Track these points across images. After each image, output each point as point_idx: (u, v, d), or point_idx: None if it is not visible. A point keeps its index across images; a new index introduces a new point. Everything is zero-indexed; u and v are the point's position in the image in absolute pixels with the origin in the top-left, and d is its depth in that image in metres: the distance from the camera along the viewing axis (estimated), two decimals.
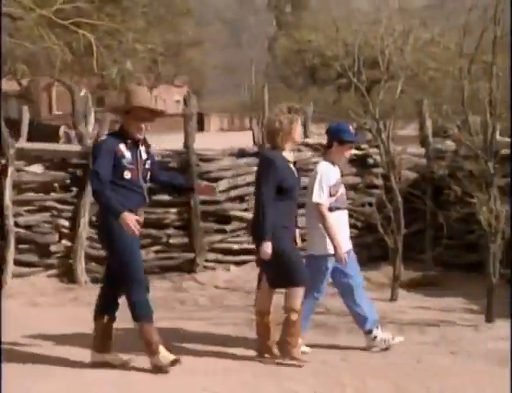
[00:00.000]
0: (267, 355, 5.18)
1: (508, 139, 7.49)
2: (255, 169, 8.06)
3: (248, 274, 8.32)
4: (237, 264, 8.40)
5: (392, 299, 7.17)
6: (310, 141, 8.88)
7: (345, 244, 5.34)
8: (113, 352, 5.02)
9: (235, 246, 8.45)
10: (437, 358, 5.31)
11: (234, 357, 5.29)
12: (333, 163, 5.35)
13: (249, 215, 8.60)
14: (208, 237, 8.31)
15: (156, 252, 8.20)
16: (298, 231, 5.28)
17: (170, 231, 8.22)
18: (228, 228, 8.40)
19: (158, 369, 4.81)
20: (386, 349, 5.40)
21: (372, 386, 4.73)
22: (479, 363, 5.14)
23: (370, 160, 8.69)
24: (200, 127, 38.82)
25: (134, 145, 4.90)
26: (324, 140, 9.02)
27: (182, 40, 28.36)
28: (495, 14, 5.47)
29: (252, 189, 8.60)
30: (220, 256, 8.42)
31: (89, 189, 7.93)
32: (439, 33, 5.95)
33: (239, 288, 7.79)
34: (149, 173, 5.00)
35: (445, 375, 4.93)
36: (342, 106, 7.49)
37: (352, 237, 8.76)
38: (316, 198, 5.20)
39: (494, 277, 6.07)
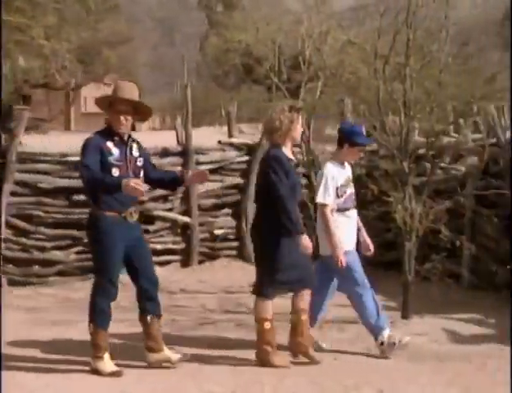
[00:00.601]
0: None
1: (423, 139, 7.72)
2: (179, 168, 8.18)
3: (172, 275, 8.28)
4: (161, 264, 8.32)
5: None
6: (234, 140, 8.89)
7: (350, 244, 5.31)
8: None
9: (159, 246, 8.39)
10: (354, 355, 5.39)
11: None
12: (342, 163, 5.32)
13: (173, 215, 8.59)
14: None
15: (77, 253, 8.06)
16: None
17: None
18: (151, 228, 8.32)
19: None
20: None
21: (290, 384, 4.76)
22: (395, 359, 5.24)
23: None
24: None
25: (122, 142, 4.81)
26: (251, 140, 9.18)
27: (111, 37, 27.90)
28: (407, 17, 5.59)
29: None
30: None
31: (5, 189, 7.75)
32: (355, 35, 6.06)
33: (162, 289, 7.67)
34: (141, 171, 4.89)
35: (360, 371, 5.01)
36: (270, 106, 7.54)
37: None
38: (319, 199, 5.18)
39: (409, 275, 6.21)
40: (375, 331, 5.33)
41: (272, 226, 4.90)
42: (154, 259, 8.56)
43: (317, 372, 4.99)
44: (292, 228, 4.83)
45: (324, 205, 5.17)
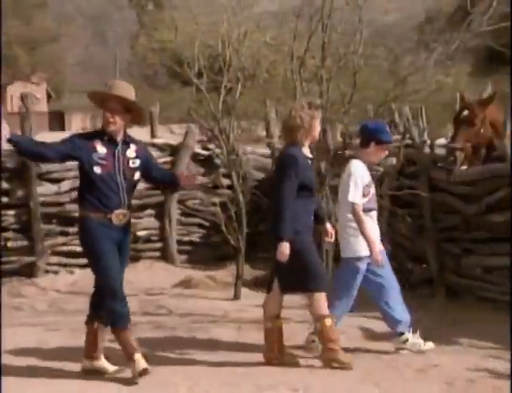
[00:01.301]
0: (274, 361, 5.03)
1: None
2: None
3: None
4: (82, 266, 8.18)
5: (236, 298, 7.25)
6: (157, 141, 8.83)
7: (378, 244, 5.26)
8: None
9: (79, 249, 8.20)
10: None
11: (65, 362, 5.13)
12: (366, 163, 5.25)
13: None
14: (50, 240, 8.04)
15: None
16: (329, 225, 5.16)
17: (8, 234, 7.89)
18: (71, 230, 8.17)
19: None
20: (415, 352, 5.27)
21: (205, 385, 4.75)
22: (313, 360, 5.29)
23: (218, 161, 8.78)
24: (61, 126, 37.51)
25: (112, 141, 4.65)
26: (173, 140, 9.13)
27: (38, 35, 27.24)
28: (322, 21, 5.67)
29: None
30: (63, 259, 8.18)
31: None
32: (274, 37, 6.12)
33: (83, 291, 7.55)
34: (137, 173, 4.73)
35: (276, 371, 5.02)
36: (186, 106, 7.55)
37: (199, 237, 9.13)
38: (352, 198, 5.08)
39: (330, 273, 6.29)
40: (398, 324, 5.27)
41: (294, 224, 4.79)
42: (75, 261, 8.53)
43: (232, 372, 4.99)
44: (278, 232, 4.74)
45: (356, 205, 5.09)
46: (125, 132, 4.76)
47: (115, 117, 4.62)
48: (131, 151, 4.73)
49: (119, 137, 4.70)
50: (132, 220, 8.58)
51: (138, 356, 4.69)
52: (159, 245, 8.81)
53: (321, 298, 4.93)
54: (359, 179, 5.10)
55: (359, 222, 5.07)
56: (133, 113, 4.75)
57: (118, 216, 4.64)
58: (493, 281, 6.50)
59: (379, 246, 5.22)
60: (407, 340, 5.26)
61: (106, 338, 4.91)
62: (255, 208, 8.43)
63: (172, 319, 6.43)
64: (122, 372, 4.81)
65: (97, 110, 4.79)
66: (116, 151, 4.65)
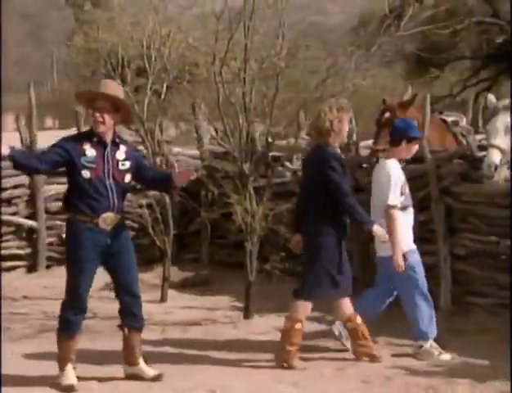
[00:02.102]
0: (285, 364, 5.04)
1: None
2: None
3: (16, 281, 7.96)
4: (6, 270, 7.99)
5: (162, 300, 7.20)
6: None
7: (412, 243, 5.24)
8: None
9: (3, 252, 8.04)
10: (200, 356, 5.39)
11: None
12: (399, 161, 5.25)
13: (18, 219, 8.25)
14: None
15: None
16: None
17: None
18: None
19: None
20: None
21: (123, 389, 4.71)
22: (232, 360, 5.29)
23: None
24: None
25: (101, 143, 4.51)
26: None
27: None
28: (244, 22, 5.69)
29: (18, 192, 8.27)
30: None
31: None
32: (198, 38, 6.12)
33: (4, 296, 7.38)
34: (127, 175, 4.60)
35: (195, 373, 5.01)
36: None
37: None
38: (392, 200, 5.08)
39: (251, 275, 6.31)
40: (420, 335, 5.22)
41: (329, 227, 4.92)
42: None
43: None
44: (365, 220, 4.94)
45: (394, 207, 5.09)
46: (115, 132, 4.64)
47: (105, 116, 4.50)
48: (120, 153, 4.59)
49: (109, 138, 4.56)
50: (58, 223, 8.58)
51: (70, 368, 4.65)
52: None
53: (344, 302, 5.11)
54: (398, 180, 5.14)
55: (394, 224, 5.06)
56: (122, 112, 4.62)
57: (105, 220, 4.51)
58: None
59: (411, 246, 5.22)
60: (422, 347, 5.21)
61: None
62: (183, 210, 8.40)
63: (97, 323, 6.33)
64: (162, 377, 4.78)
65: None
66: (106, 153, 4.52)
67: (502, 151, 5.68)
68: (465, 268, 6.21)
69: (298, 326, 5.04)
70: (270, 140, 5.97)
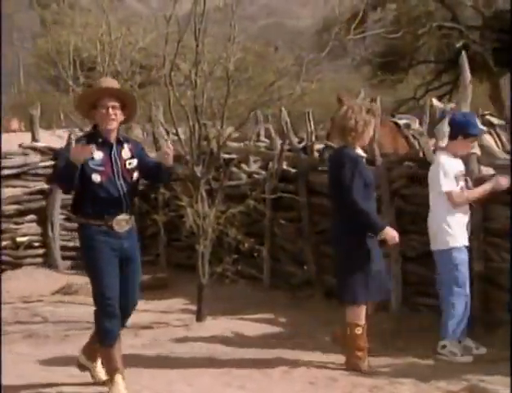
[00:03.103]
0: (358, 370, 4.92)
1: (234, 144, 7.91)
2: None
3: None
4: None
5: None
6: (38, 145, 8.63)
7: (464, 240, 5.18)
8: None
9: None
10: (141, 360, 5.37)
11: None
12: (455, 155, 5.18)
13: None
14: None
15: None
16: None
17: None
18: None
19: None
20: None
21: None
22: (187, 362, 5.27)
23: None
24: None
25: (107, 143, 4.33)
26: (53, 143, 8.93)
27: None
28: (195, 26, 5.69)
29: None
30: None
31: None
32: (147, 42, 6.10)
33: None
34: (135, 174, 4.40)
35: (145, 376, 4.97)
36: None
37: None
38: (445, 187, 5.04)
39: (204, 277, 6.30)
40: (447, 334, 5.18)
41: (351, 226, 4.80)
42: None
43: (80, 377, 4.83)
44: (374, 227, 4.79)
45: (450, 193, 5.06)
46: (118, 130, 4.46)
47: (116, 112, 4.31)
48: (126, 151, 4.42)
49: (114, 137, 4.39)
50: (12, 226, 8.50)
51: (118, 378, 4.45)
52: (41, 251, 8.60)
53: (355, 309, 4.90)
54: (449, 169, 5.11)
55: (462, 202, 5.08)
56: (129, 109, 4.43)
57: (119, 222, 4.34)
58: None
59: (461, 243, 5.15)
60: (445, 346, 5.18)
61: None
62: (141, 212, 8.36)
63: (47, 327, 6.27)
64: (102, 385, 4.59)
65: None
66: (112, 153, 4.35)
67: None
68: (415, 269, 6.27)
69: (358, 331, 4.89)
70: (221, 142, 5.96)
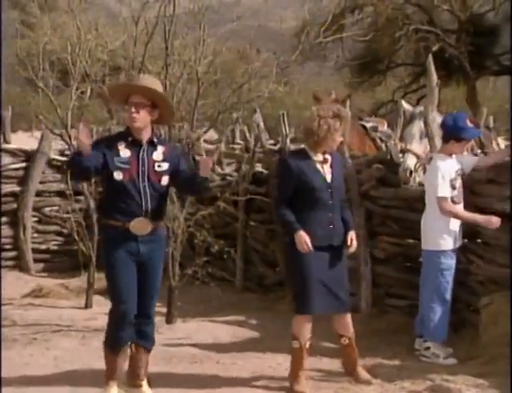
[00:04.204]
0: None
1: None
2: None
3: None
4: None
5: (87, 306, 7.12)
6: (8, 146, 8.57)
7: (452, 243, 5.17)
8: None
9: None
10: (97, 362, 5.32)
11: None
12: (450, 156, 5.18)
13: None
14: None
15: None
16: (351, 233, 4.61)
17: None
18: None
19: None
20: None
21: None
22: (158, 365, 5.25)
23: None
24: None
25: (137, 143, 4.15)
26: (31, 145, 8.87)
27: None
28: (164, 28, 5.69)
29: None
30: None
31: None
32: (116, 44, 6.10)
33: None
34: (164, 178, 4.20)
35: (90, 377, 4.94)
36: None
37: (57, 245, 8.90)
38: (440, 193, 5.04)
39: (174, 280, 6.30)
40: (429, 336, 5.19)
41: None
42: None
43: (41, 381, 4.85)
44: (289, 231, 4.47)
45: (445, 199, 5.06)
46: (153, 131, 4.29)
47: (140, 112, 4.13)
48: (158, 154, 4.21)
49: (145, 138, 4.20)
50: None
51: (111, 387, 4.36)
52: (12, 254, 8.54)
53: (299, 320, 4.59)
54: (446, 174, 5.10)
55: (453, 214, 5.07)
56: (161, 109, 4.23)
57: (138, 225, 4.14)
58: None
59: (449, 247, 5.15)
60: (429, 348, 5.20)
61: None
62: None
63: (15, 331, 6.22)
64: None
65: None
66: (141, 153, 4.16)
67: (417, 156, 5.81)
68: (385, 270, 6.31)
69: (295, 344, 4.63)
70: (190, 144, 5.96)
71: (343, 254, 4.62)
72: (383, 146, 6.68)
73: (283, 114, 7.82)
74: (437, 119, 5.78)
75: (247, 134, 7.25)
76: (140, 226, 4.15)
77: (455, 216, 5.15)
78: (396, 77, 21.19)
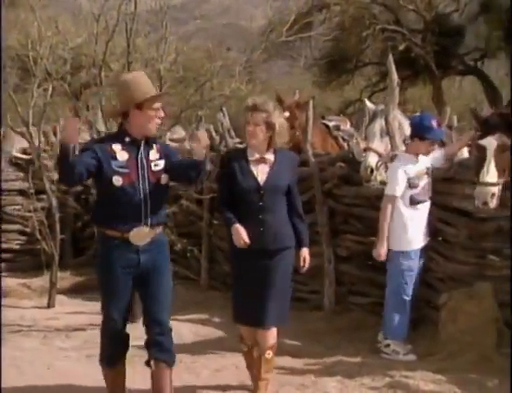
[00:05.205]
0: None
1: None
2: None
3: None
4: None
5: (49, 306, 7.05)
6: None
7: (417, 243, 5.24)
8: None
9: None
10: (70, 363, 5.31)
11: None
12: (415, 155, 5.19)
13: None
14: None
15: None
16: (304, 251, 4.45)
17: None
18: None
19: None
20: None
21: None
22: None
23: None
24: None
25: (135, 143, 3.90)
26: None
27: None
28: (126, 26, 5.67)
29: None
30: None
31: None
32: (76, 41, 6.05)
33: None
34: (162, 177, 3.97)
35: (69, 379, 4.94)
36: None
37: (20, 245, 8.79)
38: (389, 191, 5.17)
39: None
40: (389, 334, 5.28)
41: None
42: None
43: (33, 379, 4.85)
44: (227, 225, 4.36)
45: (388, 197, 5.15)
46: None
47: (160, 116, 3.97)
48: (154, 152, 3.98)
49: (142, 137, 3.97)
50: None
51: None
52: None
53: (270, 332, 4.41)
54: (399, 173, 5.16)
55: (381, 213, 5.20)
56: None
57: (137, 235, 3.90)
58: (305, 281, 6.66)
59: (421, 242, 5.24)
60: (389, 345, 5.28)
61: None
62: (79, 212, 8.27)
63: None
64: None
65: None
66: (139, 155, 3.92)
67: (379, 154, 5.86)
68: (348, 268, 6.35)
69: (243, 348, 4.65)
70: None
71: (281, 263, 4.35)
72: (345, 144, 6.71)
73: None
74: (398, 117, 5.86)
75: (212, 133, 7.22)
76: (140, 236, 3.93)
77: (381, 217, 5.24)
78: (364, 76, 21.32)
